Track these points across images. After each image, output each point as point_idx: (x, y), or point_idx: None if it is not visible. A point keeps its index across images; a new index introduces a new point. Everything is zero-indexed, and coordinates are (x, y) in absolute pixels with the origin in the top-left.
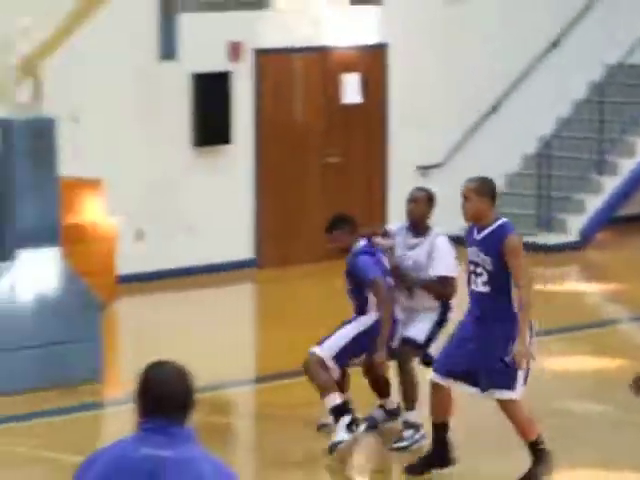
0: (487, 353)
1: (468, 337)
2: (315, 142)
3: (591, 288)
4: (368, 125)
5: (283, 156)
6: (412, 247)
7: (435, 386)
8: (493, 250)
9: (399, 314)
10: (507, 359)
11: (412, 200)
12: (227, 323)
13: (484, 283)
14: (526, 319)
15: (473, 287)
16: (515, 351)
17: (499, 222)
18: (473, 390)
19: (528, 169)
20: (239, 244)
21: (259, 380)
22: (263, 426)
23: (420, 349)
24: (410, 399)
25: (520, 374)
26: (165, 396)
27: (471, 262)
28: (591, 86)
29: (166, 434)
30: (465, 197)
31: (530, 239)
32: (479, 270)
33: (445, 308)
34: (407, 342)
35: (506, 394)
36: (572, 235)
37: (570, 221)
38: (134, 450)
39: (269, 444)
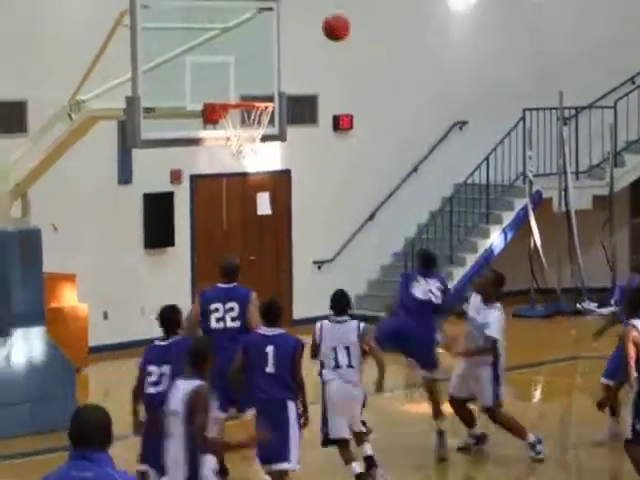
0: None
1: None
2: (237, 244)
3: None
4: (276, 231)
5: (213, 255)
6: None
7: None
8: None
9: None
10: None
11: None
12: None
13: None
14: None
15: None
16: None
17: None
18: None
19: (397, 263)
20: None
21: None
22: None
23: None
24: None
25: None
26: (81, 432)
27: None
28: (443, 200)
29: (88, 460)
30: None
31: None
32: None
33: None
34: None
35: None
36: None
37: None
38: (67, 474)
39: None
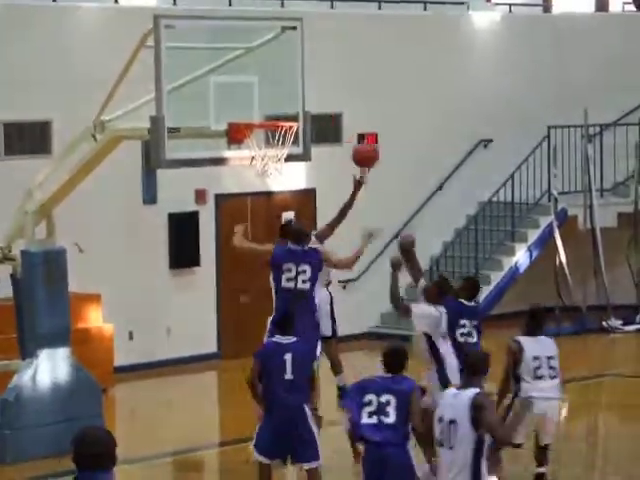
0: None
1: None
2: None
3: None
4: None
5: (238, 275)
6: None
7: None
8: None
9: None
10: None
11: None
12: (198, 402)
13: None
14: None
15: None
16: None
17: None
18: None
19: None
20: (206, 341)
21: (222, 444)
22: (226, 478)
23: None
24: None
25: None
26: (86, 454)
27: None
28: (468, 218)
29: None
30: None
31: None
32: None
33: None
34: None
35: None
36: None
37: None
38: None
39: None
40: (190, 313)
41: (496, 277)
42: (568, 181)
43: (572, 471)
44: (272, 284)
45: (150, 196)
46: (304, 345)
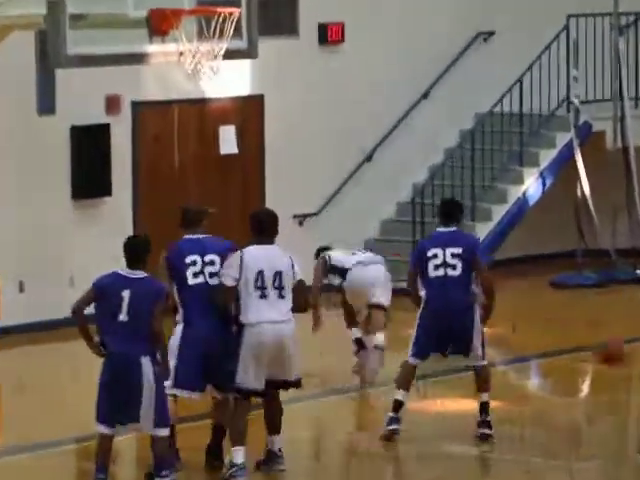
0: None
1: None
2: (193, 192)
3: None
4: (245, 175)
5: (162, 207)
6: None
7: None
8: None
9: None
10: None
11: None
12: None
13: None
14: None
15: None
16: None
17: None
18: None
19: (403, 216)
20: None
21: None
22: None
23: None
24: None
25: None
26: None
27: None
28: (462, 134)
29: None
30: None
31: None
32: None
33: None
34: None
35: None
36: None
37: None
38: None
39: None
40: (99, 256)
41: (499, 211)
42: (593, 86)
43: None
44: None
45: (47, 105)
46: (151, 283)
